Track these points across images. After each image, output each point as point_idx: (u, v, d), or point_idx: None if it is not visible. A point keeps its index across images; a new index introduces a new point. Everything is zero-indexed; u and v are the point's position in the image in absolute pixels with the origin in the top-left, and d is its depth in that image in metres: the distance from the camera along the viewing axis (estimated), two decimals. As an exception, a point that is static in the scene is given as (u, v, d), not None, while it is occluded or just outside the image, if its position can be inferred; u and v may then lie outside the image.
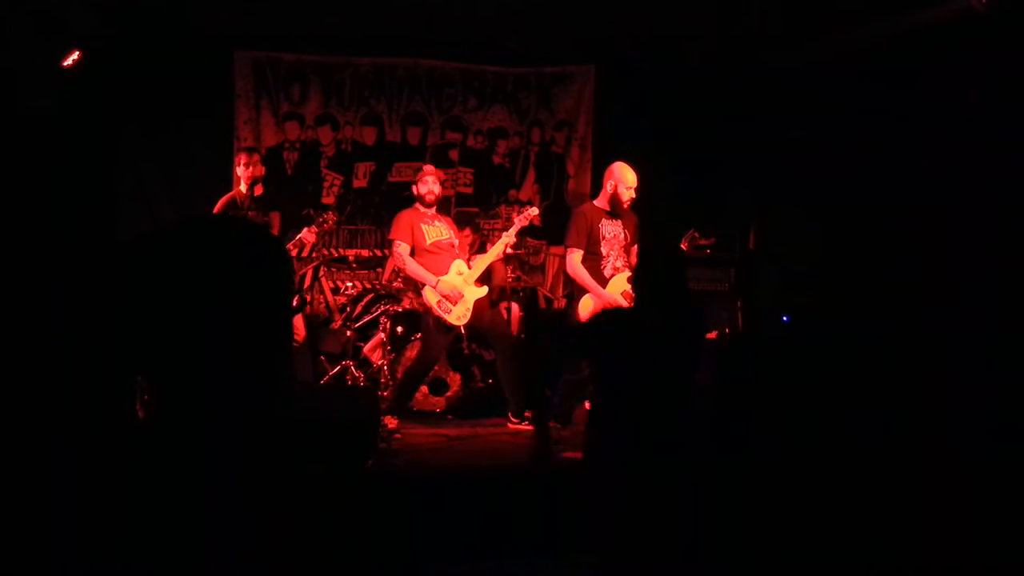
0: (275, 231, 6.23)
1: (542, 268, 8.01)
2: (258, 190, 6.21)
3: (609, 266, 5.77)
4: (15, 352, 1.15)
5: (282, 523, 1.16)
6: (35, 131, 5.19)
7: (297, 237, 6.10)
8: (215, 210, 6.07)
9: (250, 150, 6.45)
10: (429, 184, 6.11)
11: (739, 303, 7.17)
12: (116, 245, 1.18)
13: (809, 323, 6.33)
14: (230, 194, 6.22)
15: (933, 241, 5.67)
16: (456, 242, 6.17)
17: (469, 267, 6.06)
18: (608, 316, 4.25)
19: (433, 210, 6.14)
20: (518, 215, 6.21)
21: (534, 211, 6.23)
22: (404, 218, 6.07)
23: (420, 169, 6.34)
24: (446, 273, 5.93)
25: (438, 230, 6.08)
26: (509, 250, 6.29)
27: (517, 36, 7.29)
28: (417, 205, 6.13)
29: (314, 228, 6.19)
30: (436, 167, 6.81)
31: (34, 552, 1.02)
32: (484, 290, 6.03)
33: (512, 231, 6.12)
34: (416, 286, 6.19)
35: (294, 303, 5.94)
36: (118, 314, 1.10)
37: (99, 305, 1.14)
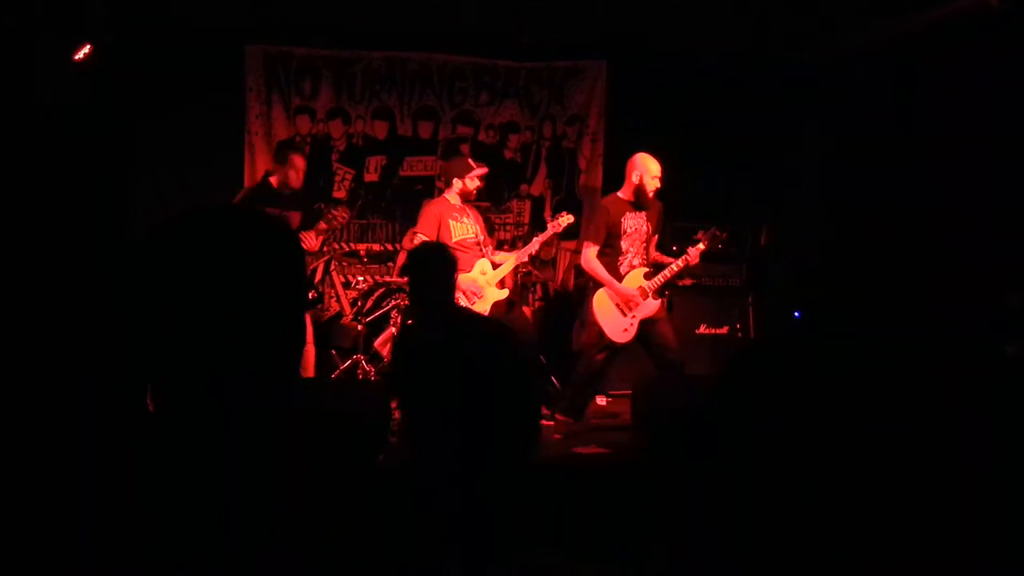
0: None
1: (553, 263, 7.99)
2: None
3: (626, 263, 5.73)
4: (26, 347, 1.15)
5: (292, 519, 1.16)
6: (47, 125, 5.20)
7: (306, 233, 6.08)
8: (237, 199, 6.06)
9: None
10: (477, 181, 6.10)
11: (750, 299, 7.16)
12: (128, 240, 1.18)
13: (821, 320, 6.30)
14: (252, 186, 6.20)
15: (946, 237, 5.64)
16: (482, 239, 6.13)
17: (493, 268, 6.01)
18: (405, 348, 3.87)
19: (460, 202, 6.09)
20: (552, 221, 6.17)
21: (569, 218, 6.18)
22: (432, 211, 6.00)
23: (468, 165, 6.19)
24: (469, 272, 5.91)
25: (465, 227, 6.01)
26: (533, 253, 6.29)
27: (529, 30, 7.27)
28: (445, 197, 6.10)
29: (321, 226, 6.12)
30: (446, 161, 6.82)
31: (40, 550, 1.02)
32: (505, 292, 5.98)
33: (545, 235, 6.11)
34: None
35: (309, 296, 5.94)
36: (128, 309, 1.09)
37: (111, 300, 1.14)
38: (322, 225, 6.08)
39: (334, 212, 6.20)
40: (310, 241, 6.07)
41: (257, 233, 1.19)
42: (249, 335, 1.14)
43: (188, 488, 1.07)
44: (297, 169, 6.15)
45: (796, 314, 6.80)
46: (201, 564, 1.05)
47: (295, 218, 6.20)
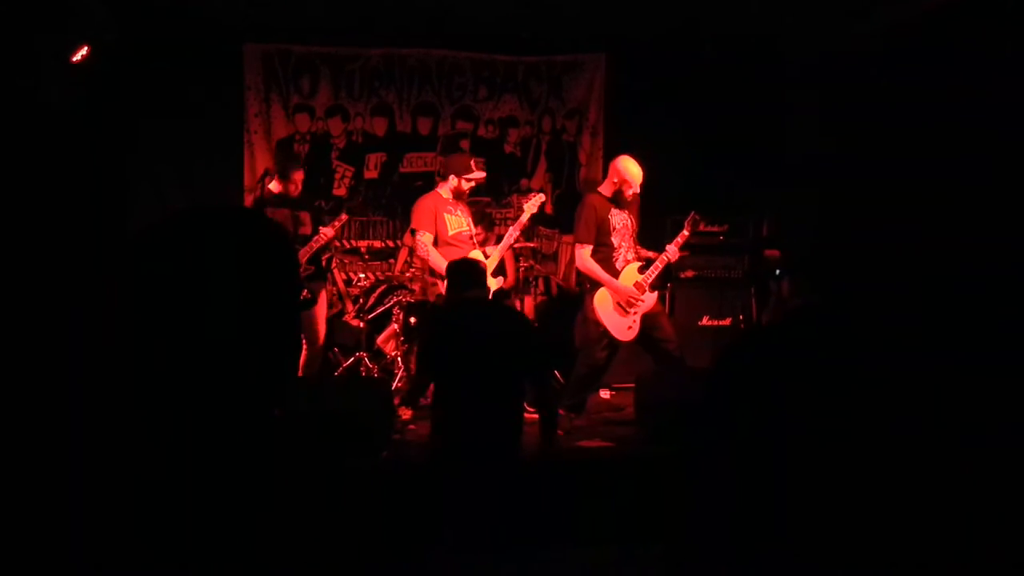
0: (308, 228, 6.12)
1: (555, 257, 7.99)
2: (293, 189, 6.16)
3: (621, 258, 5.70)
4: (25, 344, 1.14)
5: (290, 519, 1.15)
6: (47, 125, 5.19)
7: (319, 234, 6.07)
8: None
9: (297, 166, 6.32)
10: (473, 183, 6.10)
11: (753, 290, 7.15)
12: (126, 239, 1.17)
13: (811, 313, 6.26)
14: (258, 195, 6.14)
15: (950, 232, 5.62)
16: (474, 231, 6.12)
17: (486, 257, 6.02)
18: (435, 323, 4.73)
19: (452, 197, 6.07)
20: (526, 203, 6.16)
21: (541, 197, 6.19)
22: (427, 206, 5.96)
23: (469, 167, 6.12)
24: None
25: (459, 220, 6.00)
26: (521, 240, 6.28)
27: (527, 25, 7.25)
28: (438, 192, 6.05)
29: (336, 223, 6.15)
30: (447, 156, 6.82)
31: (36, 551, 1.01)
32: (499, 281, 6.00)
33: (523, 218, 6.09)
34: (434, 276, 6.14)
35: (303, 296, 5.93)
36: (124, 309, 1.09)
37: (109, 299, 1.13)
38: (336, 223, 6.15)
39: (341, 216, 6.29)
40: (331, 232, 6.12)
41: (248, 232, 1.18)
42: (243, 335, 1.13)
43: (185, 490, 1.07)
44: (297, 183, 6.11)
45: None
46: (201, 565, 1.05)
47: (306, 217, 6.15)
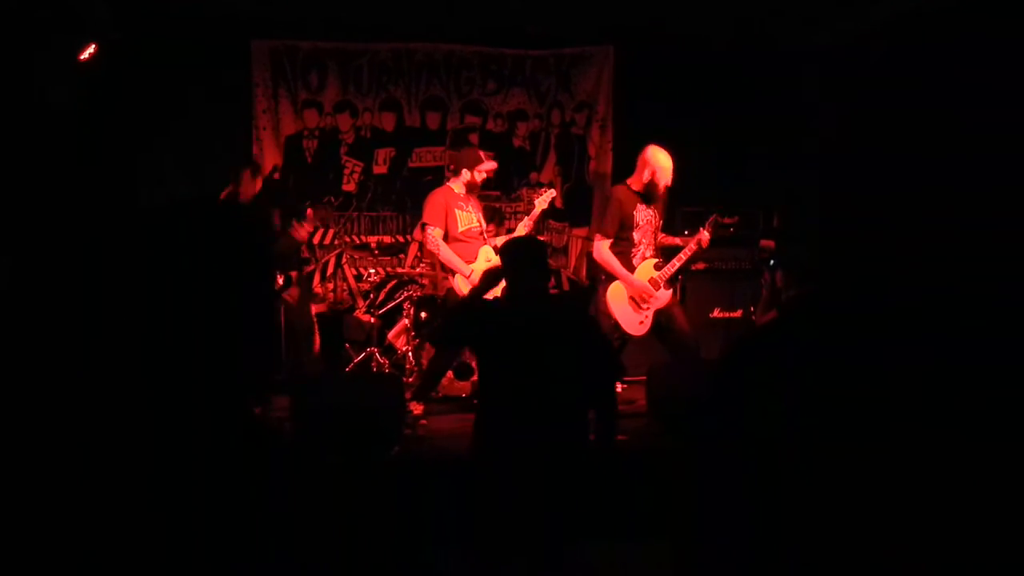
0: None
1: (565, 250, 7.98)
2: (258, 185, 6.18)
3: (639, 255, 5.68)
4: (25, 343, 1.14)
5: (298, 516, 1.14)
6: (54, 126, 5.20)
7: (288, 232, 6.06)
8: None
9: (255, 170, 6.33)
10: (485, 175, 6.04)
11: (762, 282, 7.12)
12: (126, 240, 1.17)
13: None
14: (227, 190, 6.16)
15: (962, 226, 5.57)
16: (484, 226, 6.10)
17: (495, 251, 6.01)
18: (483, 310, 3.98)
19: (465, 191, 6.04)
20: (537, 198, 6.15)
21: (552, 192, 6.16)
22: (437, 201, 5.91)
23: (479, 158, 6.04)
24: (474, 261, 5.87)
25: (469, 216, 5.96)
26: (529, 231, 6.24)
27: (535, 18, 7.23)
28: (449, 186, 6.00)
29: (305, 224, 6.10)
30: (457, 151, 6.80)
31: (38, 550, 1.01)
32: None
33: (535, 213, 6.07)
34: (444, 271, 6.12)
35: (278, 283, 5.90)
36: (113, 303, 1.09)
37: (108, 296, 1.12)
38: (305, 224, 6.09)
39: (309, 212, 6.21)
40: (301, 232, 6.07)
41: (221, 223, 1.18)
42: (218, 325, 1.12)
43: (172, 484, 1.06)
44: (247, 188, 6.14)
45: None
46: (201, 562, 1.04)
47: (275, 214, 6.20)
